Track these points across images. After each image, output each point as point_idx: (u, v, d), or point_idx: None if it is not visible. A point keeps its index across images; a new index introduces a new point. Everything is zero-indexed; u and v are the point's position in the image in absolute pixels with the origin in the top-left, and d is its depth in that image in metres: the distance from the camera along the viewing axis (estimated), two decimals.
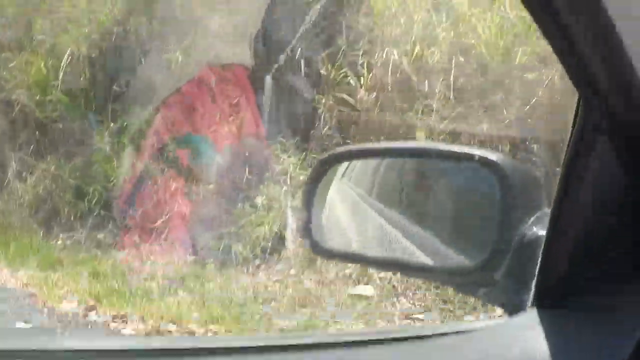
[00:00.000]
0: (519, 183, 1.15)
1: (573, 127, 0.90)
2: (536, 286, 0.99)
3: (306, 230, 1.37)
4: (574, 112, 0.88)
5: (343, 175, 2.06)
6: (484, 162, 1.15)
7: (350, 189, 2.03)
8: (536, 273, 1.00)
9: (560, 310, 0.98)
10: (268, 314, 5.79)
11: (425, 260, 1.36)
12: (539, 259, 0.99)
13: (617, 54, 0.75)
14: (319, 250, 1.42)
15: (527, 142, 6.34)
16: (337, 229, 1.72)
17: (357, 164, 1.90)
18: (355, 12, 7.37)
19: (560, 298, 0.98)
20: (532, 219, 1.10)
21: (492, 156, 1.15)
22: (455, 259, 1.28)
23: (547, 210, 1.07)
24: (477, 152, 1.18)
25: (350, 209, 1.98)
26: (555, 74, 6.21)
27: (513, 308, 1.04)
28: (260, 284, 6.40)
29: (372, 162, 1.82)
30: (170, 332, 5.46)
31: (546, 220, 1.02)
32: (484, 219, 1.19)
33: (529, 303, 1.01)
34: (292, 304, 5.92)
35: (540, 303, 0.99)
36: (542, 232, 1.04)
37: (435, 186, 1.44)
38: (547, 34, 0.80)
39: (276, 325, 5.58)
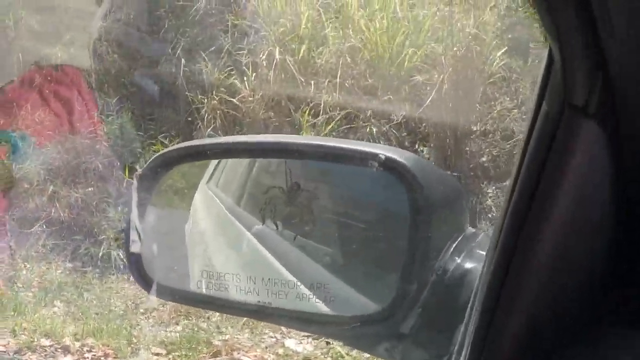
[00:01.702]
0: (435, 192, 0.82)
1: (537, 108, 0.58)
2: (467, 346, 0.66)
3: (131, 262, 1.00)
4: (539, 82, 0.57)
5: (210, 179, 1.69)
6: (388, 164, 0.81)
7: (215, 198, 1.66)
8: (464, 325, 0.67)
9: None
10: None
11: (305, 303, 1.00)
12: (470, 305, 0.67)
13: None
14: (153, 289, 1.05)
15: (416, 145, 6.29)
16: (195, 255, 1.35)
17: (227, 163, 1.55)
18: (241, 10, 7.14)
19: None
20: (454, 244, 0.78)
21: (399, 156, 0.82)
22: (349, 300, 0.93)
23: (472, 231, 0.77)
24: (379, 150, 0.83)
25: (213, 225, 1.61)
26: (445, 76, 6.18)
27: None
28: (142, 292, 6.07)
29: (243, 162, 1.46)
30: (43, 347, 5.21)
31: (473, 246, 0.70)
32: (386, 243, 0.85)
33: None
34: (176, 314, 5.69)
35: None
36: (470, 264, 0.73)
37: (322, 196, 1.08)
38: None
39: (158, 337, 5.39)
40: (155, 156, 1.25)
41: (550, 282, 0.64)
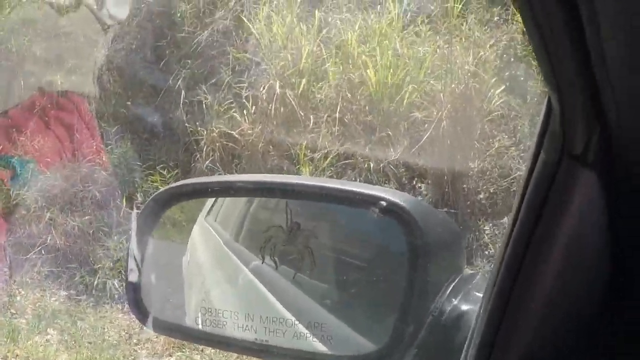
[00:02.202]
0: (433, 236, 0.83)
1: (536, 155, 0.59)
2: None
3: (132, 296, 1.01)
4: (538, 130, 0.58)
5: (208, 213, 1.70)
6: (387, 207, 0.82)
7: (213, 232, 1.67)
8: None
9: None
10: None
11: (302, 342, 1.01)
12: (466, 346, 0.67)
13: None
14: (150, 324, 1.05)
15: (414, 181, 6.29)
16: (192, 288, 1.36)
17: (226, 198, 1.55)
18: (243, 43, 7.17)
19: None
20: (451, 286, 0.79)
21: (398, 199, 0.83)
22: (346, 339, 0.94)
23: (470, 273, 0.77)
24: (379, 192, 0.85)
25: (211, 259, 1.61)
26: (444, 113, 6.20)
27: None
28: (136, 323, 6.04)
29: (242, 198, 1.47)
30: None
31: (470, 288, 0.71)
32: (385, 283, 0.86)
33: None
34: (170, 346, 5.67)
35: None
36: (467, 306, 0.73)
37: (322, 236, 1.09)
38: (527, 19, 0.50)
39: None
40: (158, 192, 1.26)
41: (546, 324, 0.65)
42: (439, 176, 6.28)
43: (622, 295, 0.66)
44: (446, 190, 6.26)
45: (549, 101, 0.61)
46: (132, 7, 7.82)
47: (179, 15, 7.56)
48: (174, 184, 1.28)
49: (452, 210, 6.11)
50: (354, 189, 0.93)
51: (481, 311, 0.66)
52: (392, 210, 0.83)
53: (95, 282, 6.52)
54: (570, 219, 0.61)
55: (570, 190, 0.61)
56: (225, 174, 6.39)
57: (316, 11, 6.88)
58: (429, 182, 6.32)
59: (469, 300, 0.78)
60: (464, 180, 6.26)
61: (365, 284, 1.00)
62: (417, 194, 6.25)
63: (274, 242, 1.10)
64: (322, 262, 1.08)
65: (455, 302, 0.79)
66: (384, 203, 0.82)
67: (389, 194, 0.86)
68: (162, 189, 1.31)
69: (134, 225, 1.24)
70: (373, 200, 0.85)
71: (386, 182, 6.20)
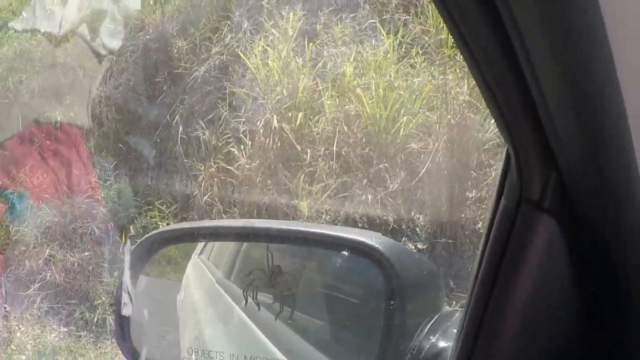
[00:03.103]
0: (409, 277, 0.85)
1: (497, 201, 0.62)
2: None
3: (121, 336, 1.03)
4: (499, 177, 0.61)
5: (202, 251, 1.72)
6: (363, 250, 0.85)
7: (206, 270, 1.69)
8: None
9: None
10: None
11: None
12: None
13: (581, 100, 0.49)
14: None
15: (412, 213, 6.29)
16: (186, 325, 1.38)
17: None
18: (239, 78, 7.22)
19: None
20: (429, 324, 0.81)
21: (373, 241, 0.85)
22: None
23: (449, 310, 0.80)
24: (354, 235, 0.87)
25: (204, 297, 1.64)
26: (440, 143, 6.22)
27: None
28: None
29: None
30: None
31: (448, 326, 0.73)
32: (365, 323, 0.89)
33: None
34: None
35: None
36: (444, 343, 0.76)
37: (303, 278, 1.12)
38: (477, 74, 0.53)
39: None
40: (151, 234, 1.29)
41: (520, 347, 0.67)
42: (437, 207, 6.29)
43: (587, 333, 0.69)
44: (444, 220, 6.27)
45: (508, 150, 0.64)
46: (129, 42, 7.88)
47: (175, 51, 7.62)
48: (165, 228, 1.31)
49: (451, 241, 6.12)
50: (331, 233, 0.96)
51: (454, 349, 0.69)
52: (367, 252, 0.85)
53: (95, 319, 6.52)
54: (531, 262, 0.64)
55: (529, 235, 0.64)
56: (215, 219, 6.40)
57: (311, 45, 6.94)
58: (427, 213, 6.33)
59: (447, 337, 0.81)
60: (462, 210, 6.27)
61: (346, 323, 1.02)
62: (415, 225, 6.26)
63: (256, 284, 1.13)
64: (304, 303, 1.10)
65: (433, 339, 0.81)
66: (346, 253, 0.84)
67: (365, 236, 0.88)
68: (150, 233, 1.34)
69: (126, 262, 1.26)
70: (349, 244, 0.87)
71: (384, 214, 6.21)
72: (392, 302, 0.83)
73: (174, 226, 1.48)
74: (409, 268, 0.89)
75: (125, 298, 1.20)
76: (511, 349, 0.66)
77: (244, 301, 1.18)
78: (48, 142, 7.52)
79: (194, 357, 1.21)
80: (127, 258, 1.28)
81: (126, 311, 1.19)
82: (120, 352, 6.11)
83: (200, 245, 1.69)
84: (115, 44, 7.80)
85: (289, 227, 1.20)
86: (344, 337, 1.02)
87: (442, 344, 0.80)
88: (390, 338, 0.82)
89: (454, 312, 0.89)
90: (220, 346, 1.26)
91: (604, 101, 0.56)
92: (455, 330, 0.84)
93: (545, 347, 0.68)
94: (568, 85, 0.56)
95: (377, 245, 0.85)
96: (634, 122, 0.57)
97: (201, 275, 1.69)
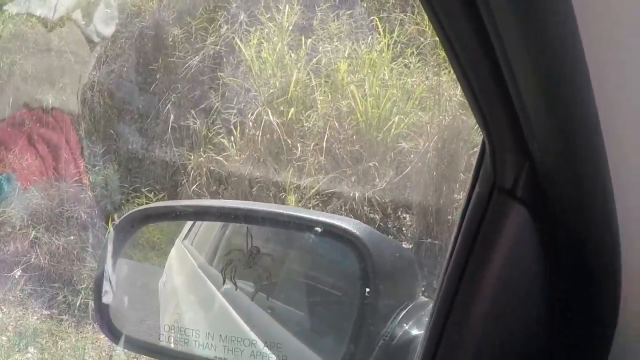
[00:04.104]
0: (385, 263, 0.87)
1: (472, 189, 0.64)
2: None
3: (99, 312, 1.04)
4: (475, 165, 0.62)
5: (186, 236, 1.73)
6: (340, 234, 0.86)
7: (189, 255, 1.70)
8: None
9: None
10: None
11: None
12: None
13: (555, 88, 0.50)
14: (121, 340, 1.09)
15: (399, 212, 6.31)
16: (167, 309, 1.39)
17: (202, 222, 1.59)
18: (233, 69, 7.22)
19: None
20: (404, 312, 0.82)
21: (351, 227, 0.87)
22: (299, 358, 0.97)
23: (424, 300, 0.81)
24: (332, 220, 0.89)
25: (186, 282, 1.65)
26: (431, 144, 6.24)
27: None
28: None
29: (218, 223, 1.50)
30: None
31: (422, 315, 0.74)
32: (340, 307, 0.90)
33: None
34: None
35: None
36: (417, 331, 0.77)
37: (281, 259, 1.13)
38: (456, 61, 0.55)
39: None
40: (131, 211, 1.30)
41: (482, 352, 0.69)
42: (424, 207, 6.31)
43: (558, 323, 0.70)
44: (430, 221, 6.28)
45: (484, 139, 0.65)
46: (124, 29, 7.87)
47: (170, 39, 7.61)
48: (146, 206, 1.32)
49: (436, 242, 6.14)
50: (312, 217, 0.98)
51: (423, 338, 0.70)
52: (344, 237, 0.87)
53: (78, 303, 6.50)
54: (502, 250, 0.66)
55: (501, 222, 0.65)
56: (207, 199, 6.41)
57: (307, 40, 6.94)
58: (414, 212, 6.35)
59: (420, 325, 0.82)
60: (449, 211, 6.29)
61: (321, 306, 1.04)
62: (402, 224, 6.28)
63: (235, 264, 1.15)
64: (281, 284, 1.12)
65: (406, 327, 0.82)
66: (319, 229, 0.86)
67: (343, 221, 0.90)
68: (132, 209, 1.35)
69: (108, 245, 1.27)
70: (329, 228, 0.89)
71: (371, 211, 6.23)
72: (367, 288, 0.84)
73: (154, 204, 1.50)
74: (386, 255, 0.90)
75: (106, 285, 1.20)
76: (479, 337, 0.68)
77: (222, 280, 1.20)
78: (38, 125, 7.50)
79: (172, 334, 1.22)
80: (108, 245, 1.29)
81: (106, 298, 1.20)
82: (101, 337, 6.12)
83: (185, 230, 1.70)
84: (109, 30, 7.79)
85: (270, 209, 1.21)
86: (318, 320, 1.03)
87: (415, 331, 0.81)
88: (364, 322, 0.83)
89: (429, 302, 0.91)
90: (197, 328, 1.27)
91: (576, 99, 0.58)
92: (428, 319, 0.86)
93: (513, 336, 0.69)
94: (542, 82, 0.58)
95: (355, 231, 0.87)
96: (605, 121, 0.59)
97: (184, 260, 1.70)
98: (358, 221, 0.95)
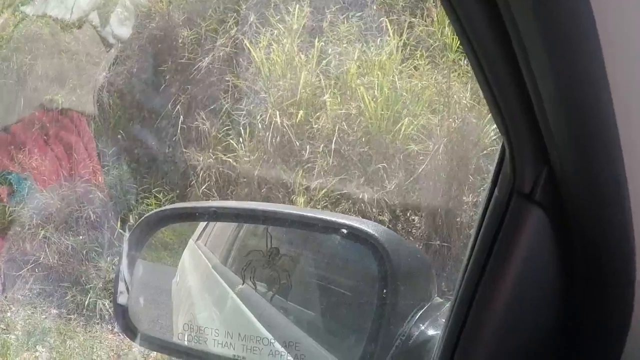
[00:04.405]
0: (402, 265, 0.88)
1: (491, 192, 0.65)
2: None
3: (118, 311, 1.06)
4: (494, 169, 0.64)
5: (199, 237, 1.75)
6: (360, 236, 0.88)
7: (203, 256, 1.71)
8: None
9: None
10: None
11: (278, 359, 1.06)
12: None
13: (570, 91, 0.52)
14: (137, 337, 1.10)
15: (408, 214, 6.30)
16: (180, 309, 1.40)
17: (216, 223, 1.60)
18: (243, 71, 7.23)
19: None
20: (420, 312, 0.84)
21: (370, 229, 0.88)
22: (317, 358, 0.99)
23: (439, 301, 0.82)
24: (352, 222, 0.90)
25: (200, 282, 1.66)
26: (440, 146, 6.23)
27: None
28: (125, 344, 6.04)
29: (231, 224, 1.52)
30: None
31: (438, 315, 0.76)
32: (358, 307, 0.91)
33: None
34: None
35: None
36: (433, 332, 0.78)
37: (300, 261, 1.15)
38: (478, 71, 0.56)
39: None
40: (148, 214, 1.32)
41: (498, 354, 0.70)
42: (433, 209, 6.30)
43: (572, 326, 0.71)
44: (439, 223, 6.28)
45: (503, 144, 0.67)
46: (135, 30, 7.90)
47: (180, 41, 7.63)
48: (163, 207, 1.34)
49: (445, 244, 6.14)
50: (330, 218, 0.99)
51: (441, 337, 0.72)
52: (364, 239, 0.88)
53: (87, 302, 6.53)
54: (520, 253, 0.67)
55: (519, 226, 0.66)
56: (218, 200, 6.42)
57: (316, 42, 6.95)
58: (423, 214, 6.34)
59: (436, 326, 0.83)
60: (458, 213, 6.28)
61: (339, 307, 1.05)
62: (411, 226, 6.28)
63: (254, 265, 1.16)
64: (299, 285, 1.14)
65: (422, 327, 0.84)
66: (344, 231, 0.87)
67: (362, 224, 0.91)
68: (152, 210, 1.36)
69: (124, 247, 1.29)
70: (347, 230, 0.90)
71: (380, 213, 6.23)
72: (384, 288, 0.86)
73: (172, 206, 1.51)
74: (403, 256, 0.92)
75: (122, 287, 1.22)
76: (497, 336, 0.69)
77: (242, 281, 1.21)
78: (51, 126, 7.53)
79: (190, 333, 1.24)
80: (125, 247, 1.30)
81: (122, 299, 1.22)
82: (109, 336, 6.14)
83: (198, 230, 1.71)
84: (125, 32, 7.82)
85: (288, 211, 1.23)
86: (335, 320, 1.05)
87: (431, 332, 0.83)
88: (382, 322, 0.85)
89: (444, 302, 0.92)
90: (214, 327, 1.29)
91: (594, 105, 0.59)
92: (444, 320, 0.87)
93: (529, 336, 0.70)
94: (561, 86, 0.59)
95: (374, 233, 0.88)
96: (623, 127, 0.60)
97: (197, 260, 1.72)
98: (376, 223, 0.97)
